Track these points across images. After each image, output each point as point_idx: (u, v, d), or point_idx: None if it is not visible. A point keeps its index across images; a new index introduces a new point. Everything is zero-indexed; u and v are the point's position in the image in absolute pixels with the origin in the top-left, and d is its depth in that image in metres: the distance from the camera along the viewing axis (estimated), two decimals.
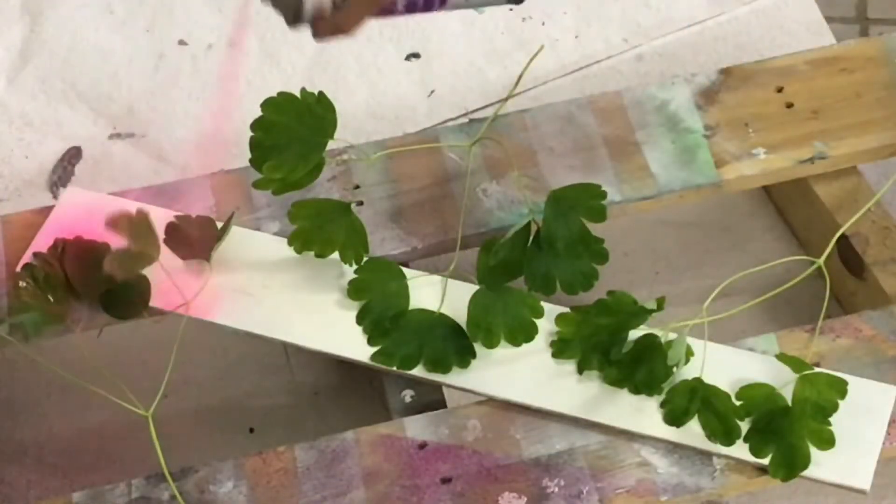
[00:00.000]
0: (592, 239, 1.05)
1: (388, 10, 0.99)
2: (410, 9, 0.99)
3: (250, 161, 1.06)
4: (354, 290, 1.06)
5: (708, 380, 1.01)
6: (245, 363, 1.20)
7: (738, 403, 1.00)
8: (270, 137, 1.05)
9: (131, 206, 1.07)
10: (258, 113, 1.05)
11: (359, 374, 1.10)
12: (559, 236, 1.05)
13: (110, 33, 1.44)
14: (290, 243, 1.08)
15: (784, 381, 1.01)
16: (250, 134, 1.05)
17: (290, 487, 1.00)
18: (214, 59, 1.41)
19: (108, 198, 1.15)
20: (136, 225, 1.03)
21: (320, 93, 1.05)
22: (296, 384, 1.20)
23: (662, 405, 1.01)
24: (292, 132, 1.05)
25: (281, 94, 1.04)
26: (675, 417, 1.01)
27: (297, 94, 1.05)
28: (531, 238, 1.06)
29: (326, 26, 0.96)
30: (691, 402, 1.00)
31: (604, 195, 1.05)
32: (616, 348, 1.02)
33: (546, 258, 1.06)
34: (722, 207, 1.28)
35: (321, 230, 1.08)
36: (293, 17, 0.95)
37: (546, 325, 1.05)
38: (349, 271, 1.07)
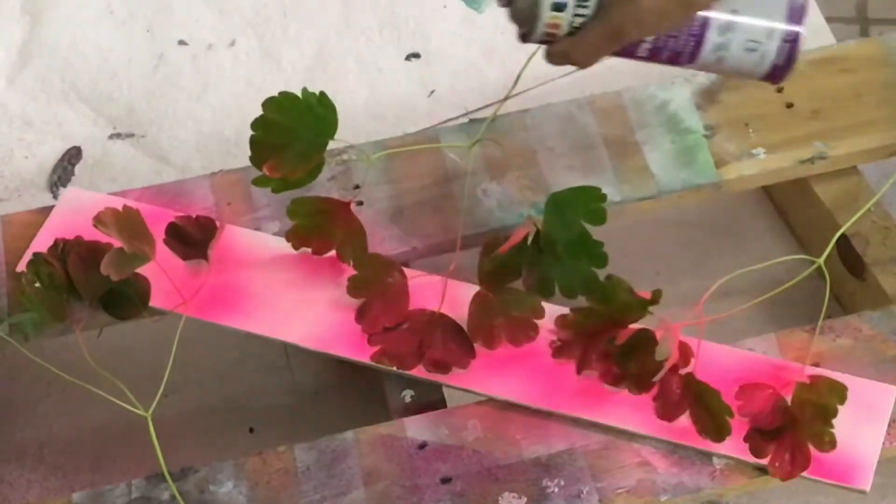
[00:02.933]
0: (592, 242, 1.05)
1: (629, 52, 0.95)
2: (654, 57, 0.96)
3: (250, 160, 1.06)
4: (354, 287, 1.06)
5: (708, 380, 1.01)
6: (245, 363, 1.20)
7: (738, 403, 1.00)
8: (271, 136, 1.05)
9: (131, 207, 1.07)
10: (258, 113, 1.05)
11: (359, 374, 1.10)
12: (559, 239, 1.04)
13: (110, 33, 1.44)
14: (288, 239, 1.09)
15: (784, 382, 1.01)
16: (251, 133, 1.05)
17: (290, 487, 1.00)
18: (214, 59, 1.41)
19: (108, 198, 1.15)
20: (125, 222, 1.03)
21: (321, 93, 1.05)
22: (296, 384, 1.20)
23: (654, 399, 1.01)
24: (293, 132, 1.05)
25: (282, 93, 1.04)
26: (666, 412, 1.01)
27: (298, 93, 1.05)
28: (530, 240, 1.06)
29: (557, 53, 0.93)
30: (682, 397, 1.00)
31: (604, 198, 1.05)
32: (611, 340, 1.02)
33: (545, 261, 1.05)
34: (722, 207, 1.28)
35: (320, 228, 1.08)
36: (524, 35, 0.94)
37: (546, 325, 1.05)
38: (349, 272, 1.07)
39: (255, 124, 1.05)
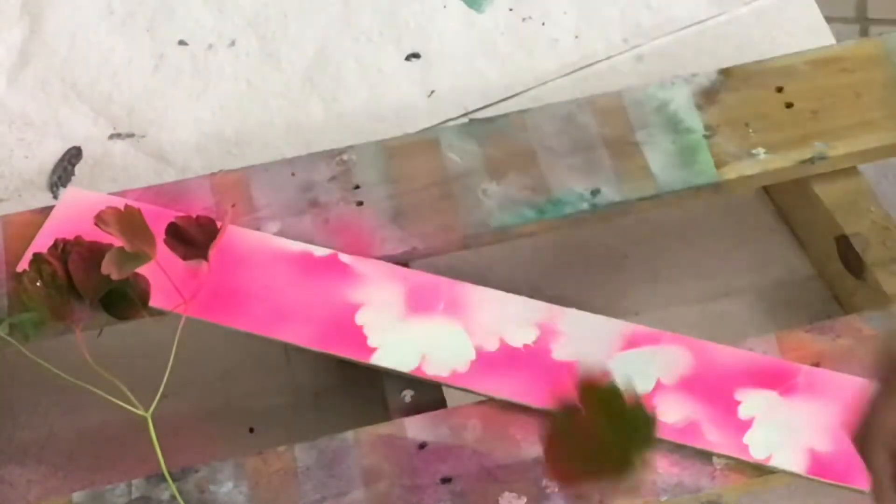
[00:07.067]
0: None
1: None
2: None
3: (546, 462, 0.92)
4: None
5: (709, 380, 1.00)
6: (245, 363, 1.20)
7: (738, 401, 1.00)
8: (573, 441, 0.88)
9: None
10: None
11: (359, 374, 1.10)
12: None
13: (110, 33, 1.44)
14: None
15: (784, 382, 1.01)
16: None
17: (290, 487, 1.00)
18: (214, 59, 1.41)
19: (108, 198, 1.15)
20: (127, 221, 1.03)
21: (638, 396, 0.86)
22: (296, 384, 1.20)
23: None
24: (603, 436, 0.87)
25: (608, 384, 0.86)
26: None
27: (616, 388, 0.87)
28: None
29: None
30: None
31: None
32: None
33: None
34: (722, 207, 1.28)
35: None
36: None
37: (546, 325, 1.05)
38: (349, 271, 1.07)
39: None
